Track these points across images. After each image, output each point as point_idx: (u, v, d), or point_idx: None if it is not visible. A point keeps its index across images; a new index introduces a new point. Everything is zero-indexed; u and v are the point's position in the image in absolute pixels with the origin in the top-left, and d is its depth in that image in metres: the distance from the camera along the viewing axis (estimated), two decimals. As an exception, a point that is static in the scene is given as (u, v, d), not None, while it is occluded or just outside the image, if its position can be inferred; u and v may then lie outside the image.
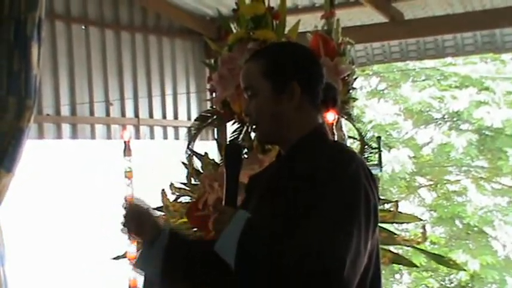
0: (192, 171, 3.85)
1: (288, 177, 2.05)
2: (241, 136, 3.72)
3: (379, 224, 2.10)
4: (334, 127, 3.44)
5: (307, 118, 2.13)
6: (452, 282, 10.64)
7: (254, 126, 2.16)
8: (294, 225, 1.92)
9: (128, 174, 4.60)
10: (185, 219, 3.60)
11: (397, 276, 10.69)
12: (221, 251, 1.97)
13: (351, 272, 1.88)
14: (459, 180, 11.06)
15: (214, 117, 3.96)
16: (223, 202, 2.04)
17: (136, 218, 2.19)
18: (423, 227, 3.80)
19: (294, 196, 1.97)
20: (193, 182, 3.84)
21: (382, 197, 3.83)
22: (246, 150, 3.56)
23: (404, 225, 8.50)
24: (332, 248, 1.86)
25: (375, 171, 3.67)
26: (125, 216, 2.20)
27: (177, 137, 7.08)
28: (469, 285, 10.35)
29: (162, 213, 3.85)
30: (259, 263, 1.91)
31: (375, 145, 3.91)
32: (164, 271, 2.17)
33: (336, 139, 3.45)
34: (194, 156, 3.89)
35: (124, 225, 2.20)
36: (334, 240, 1.87)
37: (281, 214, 1.98)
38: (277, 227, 1.95)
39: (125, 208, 2.22)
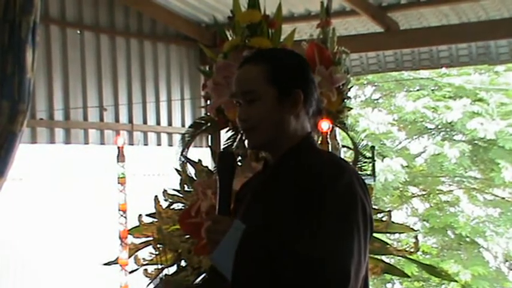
0: (185, 178, 3.83)
1: (280, 187, 2.04)
2: (235, 143, 3.71)
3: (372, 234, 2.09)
4: (328, 136, 3.43)
5: (300, 127, 2.12)
6: (443, 293, 10.65)
7: (248, 132, 2.12)
8: (291, 237, 1.91)
9: (121, 180, 4.58)
10: (178, 226, 3.58)
11: (389, 285, 10.69)
12: (217, 262, 1.95)
13: (354, 283, 1.87)
14: (452, 191, 11.08)
15: (209, 124, 3.95)
16: (217, 211, 2.01)
17: None
18: (415, 237, 3.79)
19: (289, 207, 1.96)
20: (186, 188, 3.82)
21: (375, 207, 3.82)
22: (240, 158, 3.55)
23: (397, 235, 8.50)
24: (336, 261, 1.85)
25: (368, 181, 3.67)
26: None
27: (170, 144, 7.06)
28: (460, 295, 10.36)
29: (155, 220, 3.84)
30: (258, 275, 1.90)
31: (368, 155, 3.91)
32: None
33: (329, 148, 3.45)
34: (188, 163, 3.88)
35: None
36: (338, 252, 1.86)
37: (276, 225, 1.97)
38: (274, 238, 1.93)
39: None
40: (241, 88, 2.11)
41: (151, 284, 2.15)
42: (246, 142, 2.24)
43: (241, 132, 2.22)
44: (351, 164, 2.45)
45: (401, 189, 10.86)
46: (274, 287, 1.88)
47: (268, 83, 2.07)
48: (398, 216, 10.13)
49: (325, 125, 3.39)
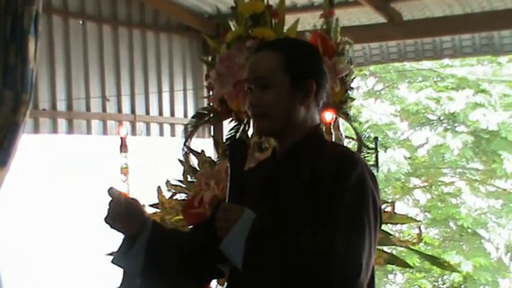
0: (188, 169, 3.83)
1: (292, 178, 2.04)
2: (238, 134, 3.71)
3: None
4: (332, 127, 3.43)
5: (311, 117, 2.12)
6: (445, 283, 10.65)
7: (258, 118, 2.11)
8: (303, 228, 1.91)
9: (124, 171, 4.57)
10: (181, 217, 3.58)
11: (391, 276, 10.70)
12: (227, 251, 1.95)
13: (365, 275, 1.88)
14: (454, 182, 11.07)
15: (211, 114, 3.94)
16: (227, 199, 2.00)
17: (121, 210, 2.11)
18: (419, 228, 3.79)
19: (300, 198, 1.96)
20: (189, 179, 3.82)
21: (378, 198, 3.82)
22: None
23: (398, 226, 8.52)
24: (348, 253, 1.85)
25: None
26: (109, 207, 2.13)
27: (173, 134, 7.06)
28: (462, 286, 10.36)
29: (158, 210, 3.84)
30: (269, 264, 1.90)
31: (371, 145, 3.90)
32: (145, 271, 2.14)
33: (332, 139, 3.44)
34: (191, 154, 3.87)
35: (108, 216, 2.13)
36: (350, 245, 1.87)
37: (286, 216, 1.97)
38: (286, 229, 1.93)
39: (110, 198, 2.15)
40: (255, 73, 2.10)
41: None
42: (254, 128, 2.21)
43: (251, 117, 2.20)
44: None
45: (403, 180, 10.85)
46: (285, 277, 1.88)
47: (282, 71, 2.06)
48: (400, 208, 10.12)
49: (328, 115, 3.38)
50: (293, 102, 2.07)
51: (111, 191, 2.13)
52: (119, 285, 3.21)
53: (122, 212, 2.11)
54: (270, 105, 2.07)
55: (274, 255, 1.89)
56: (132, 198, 2.16)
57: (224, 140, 3.85)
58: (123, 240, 2.19)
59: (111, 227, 2.15)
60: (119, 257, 2.18)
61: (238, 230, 1.91)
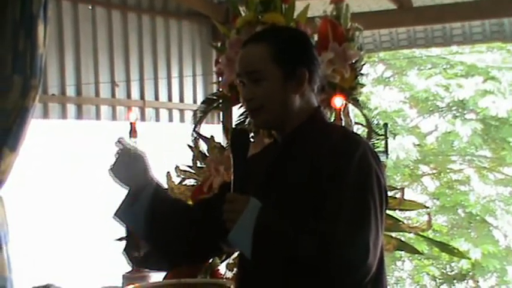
0: (197, 154, 3.84)
1: (293, 164, 2.04)
2: (247, 120, 3.71)
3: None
4: (341, 113, 3.42)
5: (307, 103, 2.12)
6: (453, 270, 10.66)
7: (253, 112, 2.11)
8: (308, 212, 1.91)
9: (133, 156, 4.59)
10: (190, 202, 3.59)
11: (399, 263, 10.72)
12: (236, 241, 1.95)
13: (373, 255, 1.88)
14: (462, 169, 11.05)
15: (221, 100, 3.94)
16: (231, 189, 1.99)
17: (128, 160, 2.12)
18: (428, 214, 3.79)
19: (304, 182, 1.96)
20: (198, 165, 3.83)
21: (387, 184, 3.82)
22: (252, 134, 3.54)
23: (407, 213, 8.51)
24: (355, 235, 1.85)
25: (381, 157, 3.67)
26: (116, 156, 2.14)
27: (182, 120, 7.05)
28: (470, 273, 10.37)
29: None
30: (277, 252, 1.90)
31: (381, 132, 3.90)
32: (147, 227, 2.14)
33: (342, 124, 3.44)
34: (200, 139, 3.88)
35: (113, 165, 2.13)
36: (356, 227, 1.86)
37: (292, 202, 1.97)
38: (290, 215, 1.93)
39: (117, 150, 2.15)
40: (246, 68, 2.10)
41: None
42: (252, 121, 2.21)
43: (247, 111, 2.20)
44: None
45: (412, 167, 10.84)
46: (293, 263, 1.88)
47: (272, 63, 2.06)
48: (409, 195, 10.11)
49: (338, 101, 3.38)
50: (287, 92, 2.07)
51: (120, 140, 2.13)
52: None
53: (128, 163, 2.11)
54: (264, 98, 2.07)
55: (281, 242, 1.89)
56: (141, 152, 2.16)
57: (234, 126, 3.86)
58: (126, 196, 2.18)
59: (114, 178, 2.15)
60: (119, 213, 2.18)
61: (244, 221, 1.91)
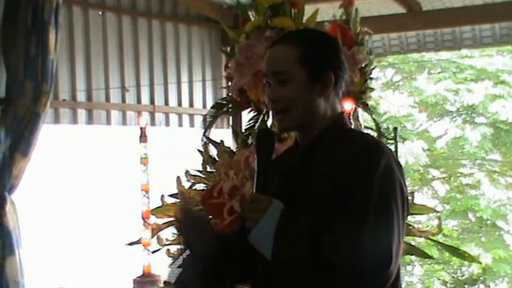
0: (207, 159, 3.84)
1: (318, 168, 2.03)
2: (257, 124, 3.72)
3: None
4: (351, 117, 3.43)
5: (331, 108, 2.11)
6: (463, 275, 10.62)
7: (279, 114, 2.10)
8: (332, 218, 1.90)
9: (144, 161, 4.62)
10: (200, 207, 3.60)
11: (409, 268, 10.68)
12: (257, 242, 1.94)
13: (395, 263, 1.88)
14: (473, 174, 11.02)
15: (230, 105, 3.95)
16: (254, 189, 1.99)
17: (193, 227, 2.16)
18: (438, 218, 3.78)
19: (328, 187, 1.95)
20: (208, 169, 3.84)
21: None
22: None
23: (417, 218, 8.48)
24: (379, 242, 1.85)
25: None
26: (181, 224, 2.18)
27: (192, 125, 7.07)
28: (481, 278, 10.33)
29: (177, 200, 3.86)
30: (298, 255, 1.89)
31: (391, 136, 3.90)
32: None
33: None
34: (210, 144, 3.88)
35: (181, 232, 2.16)
36: (381, 234, 1.86)
37: (315, 206, 1.96)
38: (313, 219, 1.92)
39: (182, 216, 2.19)
40: (273, 68, 2.09)
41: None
42: (277, 126, 2.20)
43: (272, 113, 2.20)
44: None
45: (422, 171, 10.82)
46: (314, 267, 1.88)
47: (300, 64, 2.05)
48: (420, 199, 10.08)
49: (348, 105, 3.38)
50: (312, 95, 2.06)
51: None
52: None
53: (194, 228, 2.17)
54: (289, 99, 2.06)
55: (303, 246, 1.88)
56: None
57: (243, 130, 3.86)
58: (190, 256, 2.18)
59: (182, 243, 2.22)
60: (181, 273, 2.18)
61: (266, 221, 1.91)
